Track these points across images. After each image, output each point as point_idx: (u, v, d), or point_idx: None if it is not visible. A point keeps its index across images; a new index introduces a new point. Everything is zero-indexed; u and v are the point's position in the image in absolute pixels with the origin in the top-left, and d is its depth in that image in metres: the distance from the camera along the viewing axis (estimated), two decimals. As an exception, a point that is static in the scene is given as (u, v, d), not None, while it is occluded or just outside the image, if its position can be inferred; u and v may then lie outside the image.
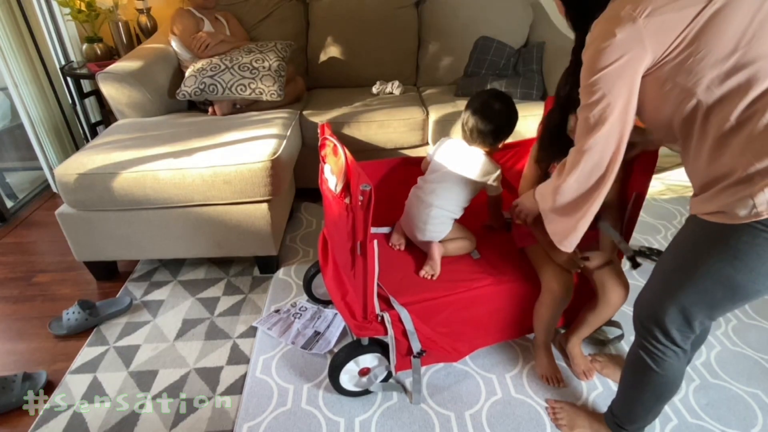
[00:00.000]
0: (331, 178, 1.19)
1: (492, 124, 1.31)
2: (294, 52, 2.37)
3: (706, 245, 0.85)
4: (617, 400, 1.16)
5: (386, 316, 1.18)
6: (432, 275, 1.31)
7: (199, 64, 2.08)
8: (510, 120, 1.34)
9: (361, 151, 2.17)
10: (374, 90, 2.45)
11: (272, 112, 2.05)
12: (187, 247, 1.75)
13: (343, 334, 1.54)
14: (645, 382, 1.05)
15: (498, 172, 1.35)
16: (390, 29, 2.52)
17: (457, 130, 2.13)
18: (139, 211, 1.65)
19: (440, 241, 1.38)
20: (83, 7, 2.38)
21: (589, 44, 0.87)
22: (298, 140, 2.04)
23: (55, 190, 2.51)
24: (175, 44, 2.24)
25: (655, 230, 2.08)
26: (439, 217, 1.36)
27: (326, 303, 1.66)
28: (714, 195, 0.82)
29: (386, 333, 1.19)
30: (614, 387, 1.35)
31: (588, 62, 0.87)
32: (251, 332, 1.57)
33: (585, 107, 0.91)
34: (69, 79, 2.48)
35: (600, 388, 1.35)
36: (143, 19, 2.53)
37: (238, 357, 1.48)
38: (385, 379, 1.34)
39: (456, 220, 1.40)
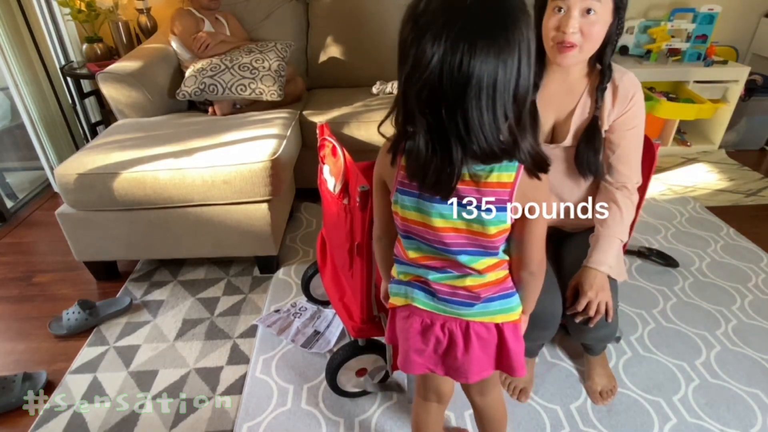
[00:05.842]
0: (330, 179, 1.19)
1: None
2: (294, 52, 2.37)
3: None
4: None
5: (383, 318, 1.18)
6: None
7: (199, 64, 2.08)
8: None
9: (361, 151, 2.17)
10: (374, 90, 2.45)
11: (272, 112, 2.05)
12: (187, 247, 1.75)
13: (343, 333, 1.54)
14: None
15: None
16: (390, 29, 2.51)
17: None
18: (139, 211, 1.65)
19: None
20: (83, 7, 2.38)
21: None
22: (298, 140, 2.04)
23: (55, 189, 2.51)
24: (175, 44, 2.24)
25: (655, 230, 2.08)
26: None
27: (325, 303, 1.66)
28: None
29: (383, 334, 1.19)
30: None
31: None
32: (251, 332, 1.57)
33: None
34: (69, 79, 2.48)
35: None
36: (143, 19, 2.53)
37: (238, 357, 1.48)
38: (383, 380, 1.34)
39: None
